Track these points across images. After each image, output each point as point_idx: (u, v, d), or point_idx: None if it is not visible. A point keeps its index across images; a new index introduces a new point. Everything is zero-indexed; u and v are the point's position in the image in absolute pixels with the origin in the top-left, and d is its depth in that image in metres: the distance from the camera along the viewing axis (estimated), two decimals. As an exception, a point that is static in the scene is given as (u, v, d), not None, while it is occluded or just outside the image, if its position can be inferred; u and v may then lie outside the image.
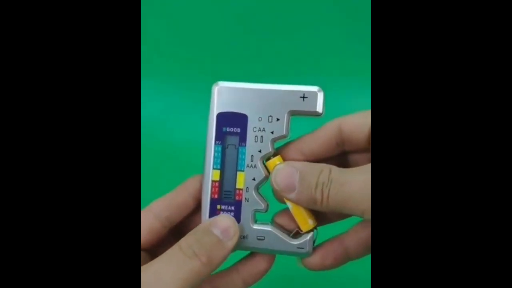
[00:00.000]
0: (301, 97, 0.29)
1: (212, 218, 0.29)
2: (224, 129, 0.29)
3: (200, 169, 0.30)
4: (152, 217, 0.30)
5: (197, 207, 0.31)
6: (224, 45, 0.75)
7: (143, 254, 0.30)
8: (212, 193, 0.30)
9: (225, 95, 0.29)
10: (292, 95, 0.29)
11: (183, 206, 0.31)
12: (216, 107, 0.29)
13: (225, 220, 0.28)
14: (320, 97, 0.29)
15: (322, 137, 0.30)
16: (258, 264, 0.30)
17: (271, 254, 0.30)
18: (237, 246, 0.29)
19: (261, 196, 0.30)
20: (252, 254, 0.31)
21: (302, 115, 0.29)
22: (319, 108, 0.29)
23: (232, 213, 0.29)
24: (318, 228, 0.30)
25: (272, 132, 0.29)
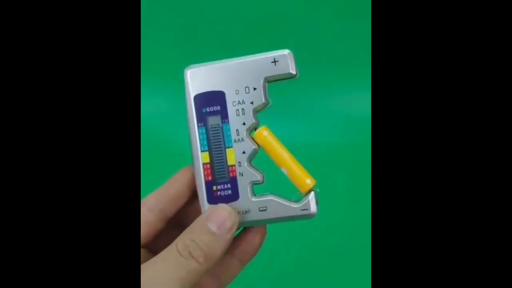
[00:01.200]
0: (272, 62, 0.29)
1: (207, 212, 0.28)
2: (204, 110, 0.29)
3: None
4: (146, 210, 0.30)
5: (194, 196, 0.30)
6: (224, 44, 0.75)
7: (142, 251, 0.30)
8: (205, 175, 0.29)
9: (198, 77, 0.29)
10: (264, 62, 0.29)
11: (177, 197, 0.31)
12: (192, 90, 0.29)
13: (221, 213, 0.28)
14: (291, 58, 0.29)
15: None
16: (251, 240, 0.30)
17: (262, 226, 0.30)
18: (240, 223, 0.29)
19: (255, 168, 0.29)
20: (243, 231, 0.31)
21: (278, 80, 0.29)
22: (292, 69, 0.29)
23: (230, 191, 0.29)
24: (317, 188, 0.29)
25: (251, 103, 0.29)
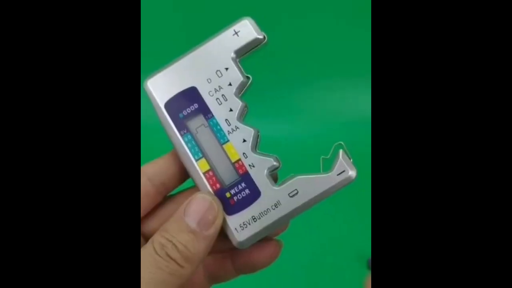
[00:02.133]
0: (233, 34, 0.25)
1: (185, 205, 0.24)
2: (180, 115, 0.25)
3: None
4: (146, 180, 0.26)
5: None
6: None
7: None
8: (211, 185, 0.25)
9: (161, 84, 0.26)
10: (225, 38, 0.25)
11: (181, 172, 0.27)
12: (159, 100, 0.25)
13: (199, 204, 0.24)
14: (252, 24, 0.25)
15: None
16: (258, 255, 0.27)
17: (277, 245, 0.26)
18: (274, 224, 0.24)
19: (264, 153, 0.25)
20: (251, 248, 0.27)
21: (249, 51, 0.26)
22: (258, 34, 0.25)
23: (247, 190, 0.25)
24: (343, 144, 0.25)
25: (230, 84, 0.25)
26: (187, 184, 0.28)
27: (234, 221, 0.25)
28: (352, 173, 0.25)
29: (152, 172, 0.27)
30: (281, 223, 0.25)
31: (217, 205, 0.24)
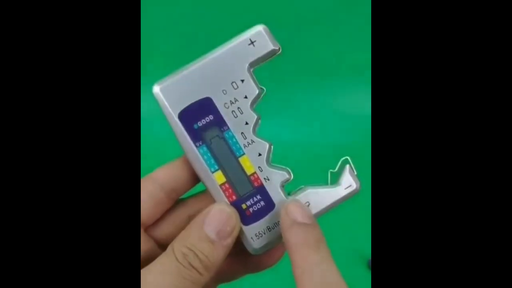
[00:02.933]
0: (249, 44, 0.25)
1: (204, 214, 0.25)
2: (195, 125, 0.25)
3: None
4: (158, 187, 0.27)
5: None
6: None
7: (151, 244, 0.28)
8: (228, 197, 0.26)
9: (173, 91, 0.25)
10: (240, 48, 0.25)
11: (191, 179, 0.27)
12: (172, 108, 0.25)
13: (219, 216, 0.25)
14: (267, 33, 0.25)
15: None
16: (268, 257, 0.28)
17: (281, 247, 0.27)
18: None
19: (277, 166, 0.26)
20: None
21: (262, 62, 0.26)
22: (273, 45, 0.25)
23: (262, 202, 0.25)
24: (349, 158, 0.26)
25: (245, 97, 0.25)
26: (197, 187, 0.29)
27: (250, 231, 0.26)
28: (357, 187, 0.26)
29: (163, 178, 0.27)
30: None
31: (235, 217, 0.25)
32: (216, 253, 0.24)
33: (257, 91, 0.25)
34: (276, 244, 0.27)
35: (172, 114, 0.25)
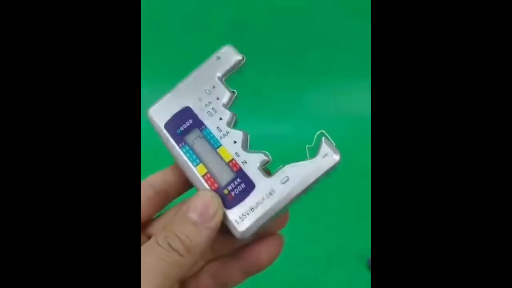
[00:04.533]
0: (217, 59, 0.30)
1: (189, 200, 0.26)
2: (178, 131, 0.29)
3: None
4: (147, 187, 0.29)
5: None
6: (225, 42, 0.75)
7: (144, 239, 0.29)
8: (210, 186, 0.27)
9: (160, 109, 0.29)
10: (210, 64, 0.30)
11: (181, 183, 0.29)
12: (159, 122, 0.29)
13: (202, 198, 0.26)
14: (231, 49, 0.30)
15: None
16: (260, 252, 0.28)
17: (280, 238, 0.28)
18: (270, 210, 0.26)
19: (255, 150, 0.28)
20: (255, 241, 0.29)
21: (232, 72, 0.30)
22: (237, 55, 0.30)
23: (243, 184, 0.27)
24: (324, 132, 0.27)
25: (217, 98, 0.29)
26: (190, 193, 0.29)
27: (233, 214, 0.27)
28: (336, 156, 0.27)
29: (154, 180, 0.29)
30: (277, 210, 0.27)
31: (217, 200, 0.26)
32: (199, 235, 0.25)
33: (227, 92, 0.29)
34: (261, 222, 0.26)
35: (160, 126, 0.29)
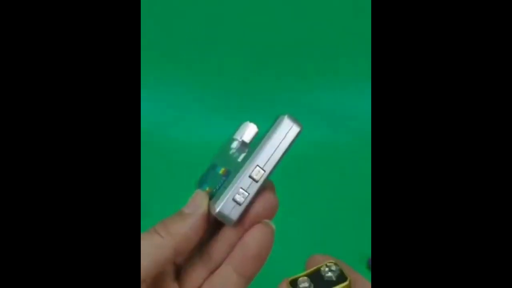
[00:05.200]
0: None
1: None
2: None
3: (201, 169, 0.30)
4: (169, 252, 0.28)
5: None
6: (224, 46, 0.75)
7: None
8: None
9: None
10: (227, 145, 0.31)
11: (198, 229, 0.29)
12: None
13: (192, 195, 0.29)
14: (247, 126, 0.30)
15: None
16: (246, 242, 0.28)
17: (267, 226, 0.28)
18: (238, 181, 0.27)
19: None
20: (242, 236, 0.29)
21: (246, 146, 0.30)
22: (247, 137, 0.30)
23: (225, 177, 0.29)
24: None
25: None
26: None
27: (215, 201, 0.28)
28: (286, 117, 0.27)
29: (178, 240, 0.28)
30: (244, 180, 0.27)
31: (203, 193, 0.28)
32: (182, 221, 0.27)
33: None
34: (237, 202, 0.27)
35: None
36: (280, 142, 0.28)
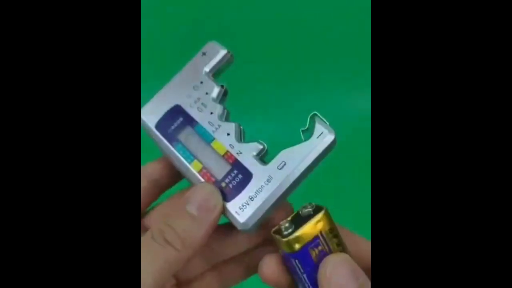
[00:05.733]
0: (202, 55, 0.30)
1: (187, 192, 0.25)
2: (169, 130, 0.29)
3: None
4: (145, 179, 0.28)
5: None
6: (226, 44, 0.75)
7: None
8: (207, 180, 0.27)
9: (150, 110, 0.29)
10: (196, 61, 0.29)
11: (172, 173, 0.29)
12: (150, 124, 0.29)
13: (201, 191, 0.25)
14: (215, 44, 0.30)
15: None
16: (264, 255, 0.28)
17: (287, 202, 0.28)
18: (270, 197, 0.25)
19: (250, 141, 0.27)
20: (260, 246, 0.29)
21: (219, 68, 0.29)
22: (222, 49, 0.29)
23: (240, 175, 0.26)
24: (316, 113, 0.27)
25: (206, 93, 0.29)
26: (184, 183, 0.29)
27: (233, 206, 0.26)
28: (330, 134, 0.26)
29: (147, 169, 0.29)
30: (277, 196, 0.26)
31: (217, 193, 0.25)
32: (197, 229, 0.24)
33: (216, 87, 0.29)
34: (262, 211, 0.26)
35: (151, 127, 0.29)
36: (317, 162, 0.26)
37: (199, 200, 0.25)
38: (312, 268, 0.25)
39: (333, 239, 0.26)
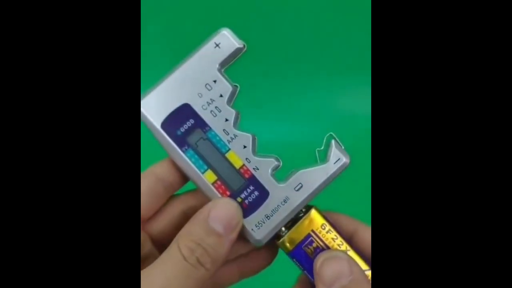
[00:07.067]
0: (215, 47, 0.26)
1: (210, 207, 0.25)
2: (178, 132, 0.26)
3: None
4: (156, 180, 0.27)
5: None
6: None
7: (146, 240, 0.28)
8: (221, 194, 0.26)
9: (153, 105, 0.26)
10: (207, 52, 0.26)
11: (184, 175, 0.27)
12: (154, 120, 0.26)
13: (226, 209, 0.25)
14: (230, 34, 0.26)
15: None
16: (262, 260, 0.29)
17: (274, 248, 0.28)
18: (286, 218, 0.26)
19: (264, 155, 0.27)
20: (254, 250, 0.29)
21: (231, 61, 0.27)
22: (238, 43, 0.26)
23: (256, 192, 0.26)
24: (333, 134, 0.28)
25: (221, 96, 0.26)
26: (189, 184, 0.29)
27: (250, 223, 0.27)
28: (346, 160, 0.27)
29: (161, 172, 0.27)
30: (292, 216, 0.27)
31: (240, 210, 0.26)
32: (223, 247, 0.24)
33: (231, 88, 0.26)
34: (277, 230, 0.27)
35: (156, 125, 0.26)
36: (329, 182, 0.27)
37: (225, 218, 0.25)
38: (311, 265, 0.26)
39: (327, 235, 0.27)
